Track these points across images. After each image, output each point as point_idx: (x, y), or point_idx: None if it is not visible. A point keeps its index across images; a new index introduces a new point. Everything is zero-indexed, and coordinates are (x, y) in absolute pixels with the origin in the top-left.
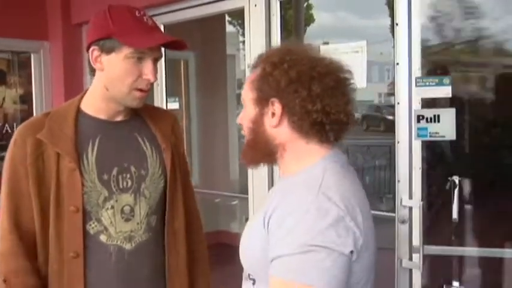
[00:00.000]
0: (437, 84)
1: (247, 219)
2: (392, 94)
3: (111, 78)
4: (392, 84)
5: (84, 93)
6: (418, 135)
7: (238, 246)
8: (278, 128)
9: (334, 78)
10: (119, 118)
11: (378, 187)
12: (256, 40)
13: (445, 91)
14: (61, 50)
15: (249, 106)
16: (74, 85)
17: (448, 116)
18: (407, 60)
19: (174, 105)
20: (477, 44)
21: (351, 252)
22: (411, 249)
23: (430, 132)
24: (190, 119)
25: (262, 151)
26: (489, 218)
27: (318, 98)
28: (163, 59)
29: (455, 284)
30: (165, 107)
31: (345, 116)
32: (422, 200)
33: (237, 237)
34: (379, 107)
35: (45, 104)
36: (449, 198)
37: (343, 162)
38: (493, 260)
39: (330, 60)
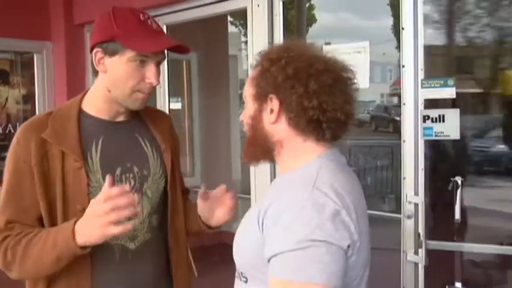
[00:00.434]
0: (441, 86)
1: None
2: (395, 95)
3: (113, 81)
4: (394, 84)
5: (85, 93)
6: (424, 135)
7: None
8: (276, 125)
9: (332, 76)
10: (120, 118)
11: (380, 187)
12: (258, 40)
13: (449, 92)
14: (64, 50)
15: (249, 103)
16: (76, 85)
17: (453, 116)
18: (412, 63)
19: (176, 106)
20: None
21: (348, 246)
22: (416, 244)
23: (435, 132)
24: (192, 119)
25: (261, 148)
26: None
27: (314, 95)
28: (165, 59)
29: (458, 284)
30: (167, 107)
31: (342, 115)
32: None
33: None
34: (387, 107)
35: (48, 104)
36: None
37: (339, 161)
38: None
39: (329, 58)
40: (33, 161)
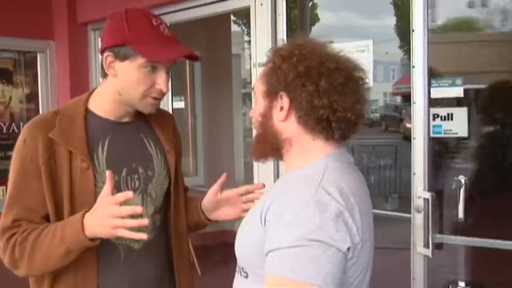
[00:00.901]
0: (450, 85)
1: None
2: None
3: (124, 85)
4: (397, 83)
5: (91, 93)
6: (434, 132)
7: None
8: (286, 123)
9: (344, 75)
10: (126, 119)
11: (383, 187)
12: (262, 39)
13: (457, 91)
14: (67, 49)
15: (259, 99)
16: (79, 84)
17: (461, 114)
18: (422, 64)
19: (179, 105)
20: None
21: (348, 248)
22: (426, 237)
23: (444, 130)
24: (195, 118)
25: (271, 145)
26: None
27: (325, 94)
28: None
29: (461, 284)
30: (170, 107)
31: (352, 115)
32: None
33: None
34: (397, 106)
35: (51, 103)
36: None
37: (346, 161)
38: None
39: (341, 56)
40: (40, 161)
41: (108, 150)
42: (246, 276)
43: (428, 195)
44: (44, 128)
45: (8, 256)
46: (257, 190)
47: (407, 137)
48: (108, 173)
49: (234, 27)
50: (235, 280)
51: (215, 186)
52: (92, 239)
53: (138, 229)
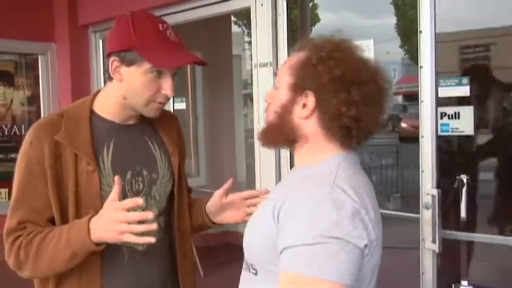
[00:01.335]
0: (457, 84)
1: None
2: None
3: (129, 90)
4: (398, 83)
5: (96, 94)
6: (442, 131)
7: None
8: (306, 120)
9: (374, 87)
10: (130, 122)
11: (385, 186)
12: (262, 40)
13: (463, 90)
14: (68, 51)
15: (282, 89)
16: (80, 86)
17: (467, 113)
18: (430, 64)
19: (180, 106)
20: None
21: (365, 245)
22: (434, 233)
23: (451, 128)
24: (197, 119)
25: (285, 137)
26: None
27: (354, 104)
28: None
29: (464, 283)
30: (172, 108)
31: (373, 126)
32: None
33: None
34: (405, 106)
35: (53, 105)
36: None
37: (355, 161)
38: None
39: (374, 66)
40: (46, 163)
41: (113, 153)
42: (256, 273)
43: (435, 192)
44: (49, 130)
45: (13, 258)
46: (261, 196)
47: (403, 138)
48: (116, 178)
49: (235, 28)
50: (242, 277)
51: (220, 190)
52: (98, 244)
53: (142, 232)
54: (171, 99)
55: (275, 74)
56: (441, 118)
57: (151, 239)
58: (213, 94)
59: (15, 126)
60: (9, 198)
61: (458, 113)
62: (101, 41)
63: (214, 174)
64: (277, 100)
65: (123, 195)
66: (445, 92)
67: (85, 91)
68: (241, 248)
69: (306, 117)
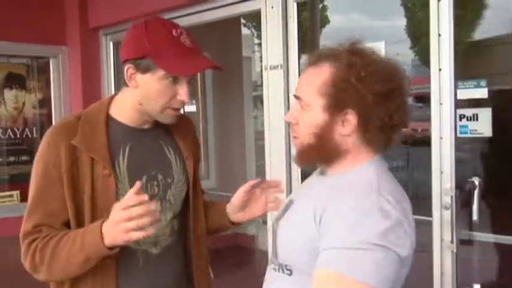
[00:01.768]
0: (475, 87)
1: (264, 222)
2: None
3: (145, 97)
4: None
5: (112, 98)
6: (460, 132)
7: (255, 249)
8: (348, 137)
9: (404, 92)
10: (146, 126)
11: None
12: (272, 42)
13: (481, 92)
14: (79, 54)
15: (315, 111)
16: (91, 89)
17: (485, 114)
18: (448, 66)
19: (191, 108)
20: None
21: (405, 256)
22: (452, 233)
23: (470, 130)
24: (207, 121)
25: (326, 155)
26: None
27: (394, 112)
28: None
29: (476, 286)
30: (182, 111)
31: (405, 126)
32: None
33: (254, 239)
34: (421, 107)
35: (64, 108)
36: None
37: (385, 163)
38: None
39: (400, 72)
40: (63, 167)
41: (128, 157)
42: (290, 274)
43: (453, 193)
44: (66, 134)
45: (29, 261)
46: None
47: (404, 142)
48: (137, 183)
49: (244, 30)
50: (269, 277)
51: (246, 187)
52: (111, 248)
53: (156, 236)
54: None
55: (286, 77)
56: (460, 120)
57: (151, 231)
58: (223, 96)
59: (27, 129)
60: (22, 200)
61: (477, 115)
62: (111, 44)
63: (224, 177)
64: (310, 122)
65: None
66: (463, 94)
67: (96, 94)
68: (251, 250)
69: (347, 135)
